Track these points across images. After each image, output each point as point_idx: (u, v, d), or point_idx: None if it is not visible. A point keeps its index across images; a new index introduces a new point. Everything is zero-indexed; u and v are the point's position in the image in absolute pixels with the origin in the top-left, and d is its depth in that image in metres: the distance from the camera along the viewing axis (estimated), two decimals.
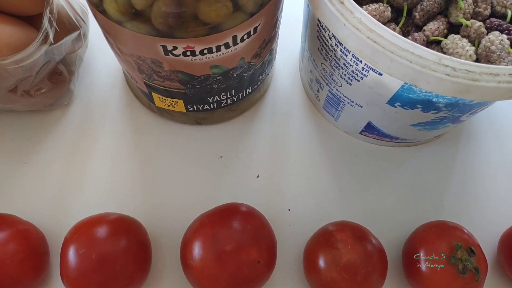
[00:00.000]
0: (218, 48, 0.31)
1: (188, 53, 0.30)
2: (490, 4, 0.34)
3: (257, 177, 0.42)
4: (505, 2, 0.34)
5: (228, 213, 0.35)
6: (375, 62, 0.28)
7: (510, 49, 0.31)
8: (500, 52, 0.30)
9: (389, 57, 0.27)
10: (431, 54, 0.26)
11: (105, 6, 0.28)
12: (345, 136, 0.44)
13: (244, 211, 0.36)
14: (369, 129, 0.40)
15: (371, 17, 0.27)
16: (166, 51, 0.30)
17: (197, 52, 0.30)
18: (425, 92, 0.31)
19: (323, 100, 0.42)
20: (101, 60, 0.46)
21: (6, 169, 0.41)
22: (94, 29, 0.41)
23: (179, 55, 0.30)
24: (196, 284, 0.34)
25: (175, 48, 0.30)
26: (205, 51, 0.30)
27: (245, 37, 0.31)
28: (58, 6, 0.37)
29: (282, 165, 0.43)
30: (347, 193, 0.42)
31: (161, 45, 0.29)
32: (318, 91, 0.42)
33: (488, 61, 0.31)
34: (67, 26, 0.39)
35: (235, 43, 0.31)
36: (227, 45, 0.31)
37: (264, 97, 0.46)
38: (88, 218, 0.36)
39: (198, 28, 0.28)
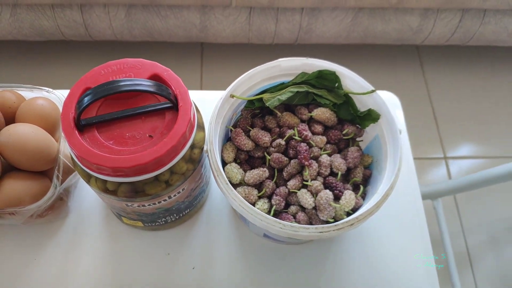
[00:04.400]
0: (159, 202, 0.52)
1: (141, 206, 0.51)
2: (330, 167, 0.56)
3: (193, 268, 0.62)
4: (338, 167, 0.56)
5: None
6: (245, 219, 0.49)
7: (331, 202, 0.52)
8: (325, 205, 0.52)
9: (251, 218, 0.48)
10: (272, 218, 0.47)
11: (90, 186, 0.49)
12: (256, 237, 0.65)
13: None
14: (267, 236, 0.61)
15: (240, 197, 0.48)
16: (128, 206, 0.51)
17: (146, 205, 0.51)
18: None
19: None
20: None
21: (19, 265, 0.61)
22: None
23: (136, 207, 0.51)
24: None
25: (132, 204, 0.51)
26: (151, 204, 0.51)
27: (176, 194, 0.52)
28: (61, 161, 0.58)
29: (211, 258, 0.63)
30: (257, 282, 0.62)
31: (124, 203, 0.50)
32: None
33: (319, 209, 0.52)
34: (67, 172, 0.59)
35: (170, 198, 0.52)
36: (165, 200, 0.52)
37: (203, 207, 0.67)
38: None
39: (145, 197, 0.49)
